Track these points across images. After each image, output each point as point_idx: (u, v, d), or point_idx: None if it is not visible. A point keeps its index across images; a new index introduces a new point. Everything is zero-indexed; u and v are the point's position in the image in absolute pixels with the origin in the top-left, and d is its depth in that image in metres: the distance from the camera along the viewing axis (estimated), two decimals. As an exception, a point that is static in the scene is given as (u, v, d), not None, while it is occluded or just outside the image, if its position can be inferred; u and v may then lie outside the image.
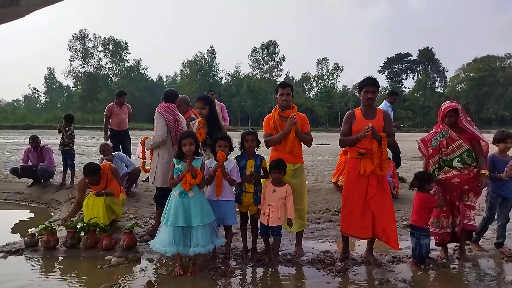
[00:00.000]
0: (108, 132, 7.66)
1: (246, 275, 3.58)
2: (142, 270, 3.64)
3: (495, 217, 4.25)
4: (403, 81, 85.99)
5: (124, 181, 6.45)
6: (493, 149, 4.15)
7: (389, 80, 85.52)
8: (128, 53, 72.65)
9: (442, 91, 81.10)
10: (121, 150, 7.53)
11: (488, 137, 4.07)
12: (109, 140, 7.38)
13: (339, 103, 67.91)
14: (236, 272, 3.59)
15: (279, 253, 4.02)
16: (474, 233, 4.20)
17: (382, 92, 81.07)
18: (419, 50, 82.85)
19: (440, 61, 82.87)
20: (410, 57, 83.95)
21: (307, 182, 8.08)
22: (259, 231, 4.01)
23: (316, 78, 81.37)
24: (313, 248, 4.31)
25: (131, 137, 8.10)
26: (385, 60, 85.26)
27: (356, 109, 3.99)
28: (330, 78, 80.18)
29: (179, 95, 5.23)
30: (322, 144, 18.33)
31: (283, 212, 3.82)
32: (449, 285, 3.39)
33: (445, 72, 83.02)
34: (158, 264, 3.78)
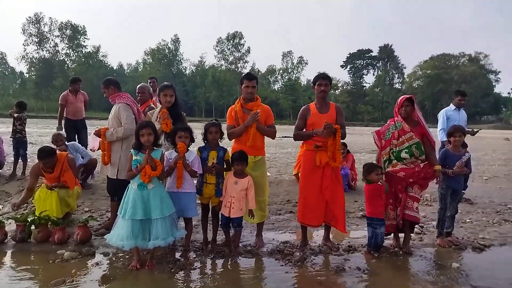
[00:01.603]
0: (63, 122, 7.29)
1: (205, 267, 3.57)
2: (97, 264, 3.53)
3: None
4: (364, 76, 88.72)
5: (80, 172, 6.20)
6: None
7: (351, 75, 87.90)
8: (86, 38, 69.23)
9: (400, 87, 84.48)
10: (77, 140, 7.20)
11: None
12: (63, 130, 7.02)
13: (303, 96, 68.77)
14: (195, 265, 3.57)
15: (240, 244, 4.05)
16: (438, 228, 4.43)
17: (344, 87, 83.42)
18: (379, 47, 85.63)
19: (399, 58, 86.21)
20: (371, 53, 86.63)
21: (269, 174, 8.17)
22: (220, 223, 4.00)
23: (281, 71, 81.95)
24: (273, 239, 4.37)
25: (88, 127, 7.76)
26: (348, 56, 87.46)
27: (311, 104, 4.19)
28: (294, 71, 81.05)
29: (142, 84, 5.11)
30: (285, 136, 18.50)
31: (245, 203, 3.83)
32: (401, 272, 3.57)
33: (403, 69, 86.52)
34: (114, 258, 3.67)
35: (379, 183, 3.90)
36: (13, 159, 6.91)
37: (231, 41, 75.16)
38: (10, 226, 4.25)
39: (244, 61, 76.30)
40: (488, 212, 5.82)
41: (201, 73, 77.37)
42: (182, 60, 77.64)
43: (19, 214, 4.51)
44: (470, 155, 4.31)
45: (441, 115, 6.60)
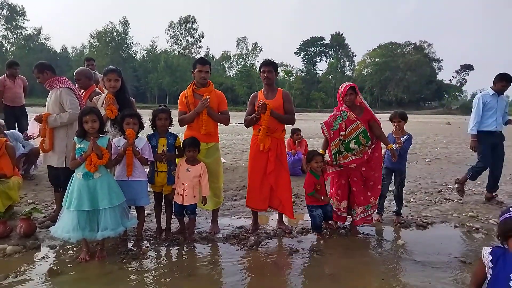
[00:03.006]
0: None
1: (159, 256, 3.49)
2: (43, 258, 3.34)
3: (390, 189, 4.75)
4: (317, 63, 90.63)
5: (21, 162, 5.79)
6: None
7: (305, 62, 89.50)
8: (25, 19, 64.34)
9: (351, 74, 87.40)
10: (17, 128, 6.70)
11: (388, 118, 4.54)
12: (2, 118, 6.49)
13: (258, 82, 69.00)
14: (148, 254, 3.48)
15: (195, 231, 4.01)
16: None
17: (299, 74, 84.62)
18: (331, 35, 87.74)
19: (349, 46, 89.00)
20: (323, 40, 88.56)
21: (225, 161, 8.15)
22: (173, 211, 3.93)
23: (236, 57, 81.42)
24: (229, 224, 4.38)
25: (28, 114, 7.24)
26: (301, 43, 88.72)
27: (259, 91, 4.25)
28: (249, 57, 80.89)
29: (78, 69, 4.70)
30: (241, 123, 18.51)
31: (198, 190, 3.78)
32: (351, 250, 3.73)
33: (354, 57, 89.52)
34: (61, 251, 3.49)
35: (317, 170, 4.01)
36: None
37: (184, 26, 73.39)
38: None
39: (197, 46, 75.06)
40: (431, 192, 6.23)
41: (153, 58, 74.97)
42: (132, 44, 74.58)
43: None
44: (409, 137, 4.51)
45: (477, 101, 5.52)
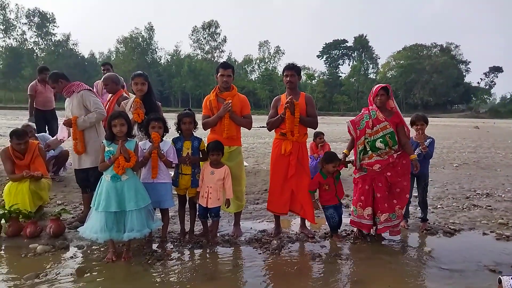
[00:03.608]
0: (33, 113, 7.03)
1: (183, 257, 3.54)
2: (71, 257, 3.45)
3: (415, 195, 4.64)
4: (340, 66, 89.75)
5: (51, 165, 6.01)
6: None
7: (327, 65, 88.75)
8: (55, 26, 66.97)
9: (374, 77, 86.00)
10: (47, 131, 6.96)
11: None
12: (34, 121, 6.77)
13: (280, 86, 68.94)
14: (172, 255, 3.54)
15: (218, 234, 4.04)
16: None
17: (321, 77, 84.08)
18: (354, 37, 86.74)
19: (373, 48, 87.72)
20: (346, 43, 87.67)
21: (247, 164, 8.18)
22: (197, 213, 3.98)
23: (258, 61, 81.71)
24: (251, 228, 4.39)
25: (58, 118, 7.50)
26: (324, 46, 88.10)
27: (282, 94, 4.25)
28: (271, 61, 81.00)
29: (106, 74, 4.84)
30: (263, 126, 18.51)
31: (222, 193, 3.82)
32: (375, 256, 3.66)
33: (378, 59, 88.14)
34: (88, 251, 3.59)
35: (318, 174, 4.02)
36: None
37: (207, 30, 74.33)
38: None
39: (220, 50, 75.88)
40: (458, 197, 6.05)
41: (177, 62, 76.27)
42: (156, 49, 76.18)
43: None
44: (432, 141, 4.41)
45: None
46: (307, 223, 4.30)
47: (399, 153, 3.93)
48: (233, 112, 3.97)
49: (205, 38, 75.53)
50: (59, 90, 4.23)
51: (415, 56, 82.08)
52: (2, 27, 61.54)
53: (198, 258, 3.57)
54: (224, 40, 76.13)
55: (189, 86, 69.92)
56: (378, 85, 3.97)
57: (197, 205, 3.93)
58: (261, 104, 70.23)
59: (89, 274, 3.13)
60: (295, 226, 4.51)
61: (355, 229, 4.18)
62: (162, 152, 3.60)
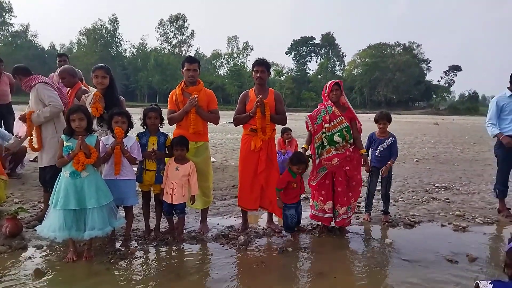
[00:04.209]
0: None
1: (148, 255, 3.47)
2: (30, 258, 3.29)
3: (377, 188, 4.79)
4: (307, 63, 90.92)
5: (8, 161, 5.69)
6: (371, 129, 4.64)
7: (295, 62, 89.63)
8: (12, 15, 63.21)
9: (341, 74, 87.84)
10: (3, 127, 6.58)
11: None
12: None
13: (249, 82, 68.92)
14: (137, 254, 3.45)
15: (184, 231, 3.99)
16: (365, 208, 4.72)
17: (289, 74, 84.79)
18: (321, 35, 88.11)
19: (340, 46, 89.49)
20: (314, 40, 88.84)
21: (214, 160, 8.12)
22: (163, 210, 3.90)
23: (227, 56, 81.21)
24: (218, 224, 4.37)
25: (15, 112, 7.10)
26: (292, 42, 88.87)
27: (250, 89, 4.24)
28: (240, 56, 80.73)
29: (62, 67, 4.61)
30: (231, 122, 18.46)
31: (187, 189, 3.76)
32: (339, 249, 3.75)
33: (344, 57, 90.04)
34: (48, 251, 3.43)
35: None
36: None
37: (174, 24, 72.90)
38: None
39: (188, 44, 74.60)
40: (418, 191, 6.31)
41: (143, 56, 74.33)
42: (121, 42, 73.80)
43: None
44: (394, 139, 4.58)
45: (493, 105, 4.97)
46: (274, 218, 4.34)
47: (353, 147, 4.08)
48: (200, 107, 3.92)
49: (172, 31, 74.14)
50: (20, 85, 4.02)
51: (379, 55, 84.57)
52: (-47, 15, 57.60)
53: (164, 256, 3.50)
54: (192, 34, 75.10)
55: (155, 80, 68.41)
56: (331, 81, 4.08)
57: (163, 202, 3.86)
58: (230, 99, 69.96)
59: (48, 275, 2.99)
60: (262, 221, 4.54)
61: (320, 223, 4.26)
62: (126, 148, 3.49)
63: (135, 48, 77.04)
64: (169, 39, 74.79)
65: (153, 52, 73.46)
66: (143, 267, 3.20)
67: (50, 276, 2.97)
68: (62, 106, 3.91)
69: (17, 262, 3.20)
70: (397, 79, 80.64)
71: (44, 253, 3.40)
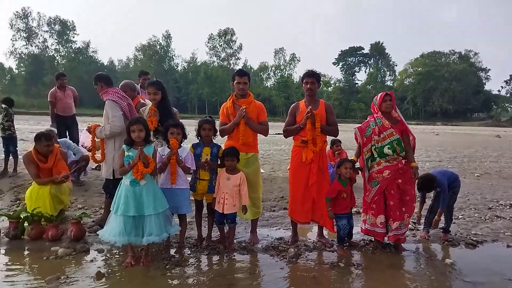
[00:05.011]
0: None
1: (200, 263, 3.55)
2: (92, 261, 3.50)
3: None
4: (356, 73, 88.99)
5: (72, 169, 6.12)
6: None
7: (343, 72, 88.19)
8: (75, 34, 68.40)
9: (391, 84, 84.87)
10: (68, 137, 7.11)
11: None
12: (55, 127, 6.95)
13: (296, 93, 68.80)
14: (190, 261, 3.54)
15: (234, 241, 4.04)
16: (423, 225, 4.49)
17: (337, 84, 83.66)
18: (370, 44, 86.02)
19: (390, 56, 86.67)
20: (362, 50, 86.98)
21: (263, 171, 8.15)
22: (214, 219, 3.98)
23: (274, 68, 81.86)
24: (268, 235, 4.37)
25: (78, 123, 7.67)
26: (339, 53, 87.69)
27: (300, 101, 4.23)
28: (287, 68, 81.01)
29: (123, 82, 4.91)
30: (278, 133, 18.44)
31: (238, 199, 3.82)
32: (394, 267, 3.58)
33: (395, 66, 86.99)
34: (108, 255, 3.64)
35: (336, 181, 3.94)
36: (3, 156, 6.79)
37: (223, 38, 74.89)
38: (3, 223, 4.19)
39: (236, 57, 76.16)
40: (480, 208, 5.88)
41: (193, 69, 77.00)
42: (174, 57, 77.11)
43: (11, 211, 4.45)
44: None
45: None
46: (325, 232, 4.25)
47: (406, 160, 3.93)
48: (249, 119, 3.98)
49: (221, 45, 76.15)
50: (98, 92, 4.26)
51: (433, 64, 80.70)
52: (24, 34, 63.35)
53: (216, 264, 3.56)
54: (240, 48, 76.63)
55: (205, 93, 70.46)
56: (382, 93, 4.00)
57: (215, 211, 3.94)
58: (277, 111, 70.17)
59: (109, 278, 3.16)
60: (311, 234, 4.47)
61: (373, 239, 4.11)
62: (181, 158, 3.63)
63: (186, 62, 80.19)
64: (218, 53, 76.91)
65: (203, 65, 75.93)
66: (197, 275, 3.28)
67: (110, 279, 3.14)
68: (121, 128, 4.03)
69: (80, 264, 3.43)
70: (454, 88, 76.28)
71: (105, 257, 3.61)
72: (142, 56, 74.11)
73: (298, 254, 3.76)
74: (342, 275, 3.38)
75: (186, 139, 3.83)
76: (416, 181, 4.02)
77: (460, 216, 5.36)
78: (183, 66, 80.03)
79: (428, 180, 4.15)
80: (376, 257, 3.85)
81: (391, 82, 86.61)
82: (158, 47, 74.11)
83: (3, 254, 3.70)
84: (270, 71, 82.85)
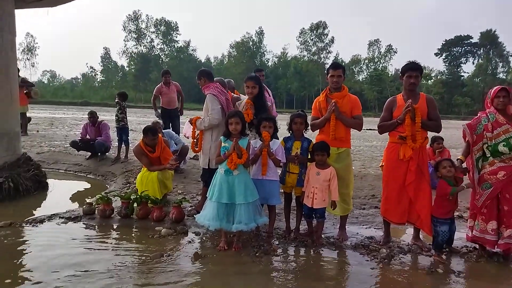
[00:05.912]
0: (159, 110, 8.04)
1: (288, 254, 3.62)
2: (189, 242, 3.82)
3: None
4: (462, 65, 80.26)
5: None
6: None
7: (447, 64, 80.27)
8: (178, 34, 74.13)
9: (504, 77, 74.62)
10: (171, 128, 7.80)
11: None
12: (160, 117, 7.76)
13: (390, 87, 64.95)
14: (278, 251, 3.64)
15: (322, 235, 4.01)
16: None
17: (439, 77, 76.67)
18: (480, 33, 76.60)
19: (504, 45, 76.13)
20: (470, 39, 77.92)
21: (353, 167, 7.92)
22: (303, 213, 4.01)
23: (367, 61, 78.27)
24: (357, 233, 4.25)
25: (180, 116, 8.37)
26: (443, 43, 79.84)
27: (398, 95, 3.94)
28: (381, 61, 76.80)
29: (215, 79, 5.17)
30: (370, 129, 17.63)
31: (328, 194, 3.78)
32: (503, 279, 3.20)
33: (509, 57, 76.11)
34: (204, 238, 3.94)
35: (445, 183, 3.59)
36: (117, 143, 7.74)
37: (315, 32, 73.80)
38: (116, 203, 4.78)
39: (327, 51, 74.52)
40: None
41: (283, 64, 77.59)
42: (265, 52, 78.65)
43: (123, 193, 5.06)
44: None
45: None
46: (421, 234, 3.98)
47: None
48: (341, 113, 3.87)
49: (312, 39, 75.25)
50: (201, 86, 4.58)
51: (561, 52, 68.90)
52: (135, 35, 70.97)
53: (303, 257, 3.59)
54: (332, 41, 74.76)
55: (294, 87, 70.62)
56: (497, 87, 3.56)
57: (303, 205, 3.97)
58: (368, 105, 67.09)
59: (204, 258, 3.42)
60: (406, 236, 4.22)
61: (477, 246, 3.72)
62: (272, 150, 3.73)
63: (276, 58, 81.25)
64: (308, 47, 76.24)
65: (293, 60, 76.07)
66: (283, 266, 3.35)
67: (205, 260, 3.39)
68: (218, 120, 4.28)
69: (179, 245, 3.76)
70: None
71: (201, 240, 3.91)
72: (236, 53, 77.09)
73: (391, 255, 3.58)
74: (440, 282, 3.13)
75: (277, 132, 3.91)
76: None
77: None
78: (274, 61, 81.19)
79: None
80: (481, 266, 3.48)
81: (504, 74, 76.19)
82: (250, 43, 76.32)
83: (115, 230, 4.24)
84: (363, 64, 79.41)
